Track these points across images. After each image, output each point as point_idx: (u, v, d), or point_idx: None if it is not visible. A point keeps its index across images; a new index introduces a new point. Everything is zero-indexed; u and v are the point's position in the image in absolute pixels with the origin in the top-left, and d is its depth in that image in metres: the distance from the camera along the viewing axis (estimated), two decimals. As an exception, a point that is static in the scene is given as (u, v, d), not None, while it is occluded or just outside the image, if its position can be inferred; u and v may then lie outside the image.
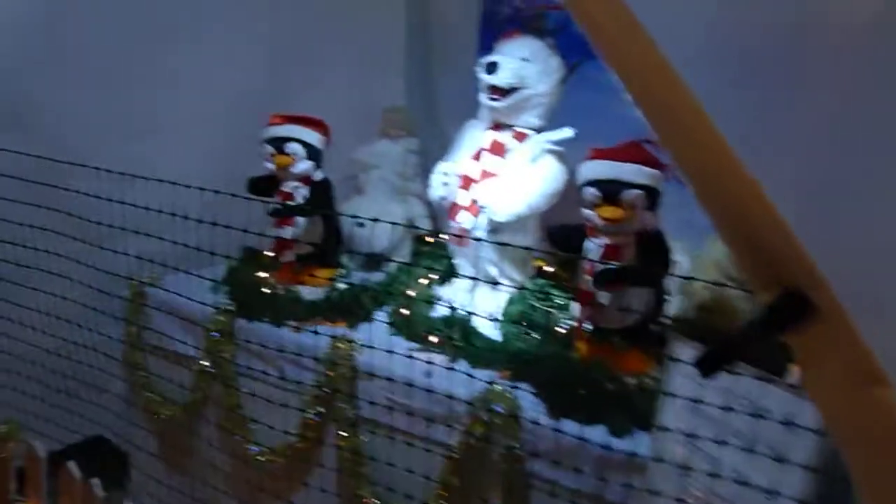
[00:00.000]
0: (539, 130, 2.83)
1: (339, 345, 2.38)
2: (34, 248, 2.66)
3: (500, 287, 2.84)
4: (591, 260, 2.21)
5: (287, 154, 2.78)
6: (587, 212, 2.22)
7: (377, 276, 3.17)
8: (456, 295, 2.89)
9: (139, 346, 2.85)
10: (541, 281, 2.78)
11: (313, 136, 2.85)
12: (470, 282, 2.93)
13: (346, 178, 3.32)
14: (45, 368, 2.85)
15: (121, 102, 2.94)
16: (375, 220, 2.35)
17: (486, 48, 3.71)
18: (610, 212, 2.15)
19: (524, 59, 2.72)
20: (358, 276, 3.00)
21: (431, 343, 2.42)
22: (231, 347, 2.61)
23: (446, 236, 3.50)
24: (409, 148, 3.41)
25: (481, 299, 2.84)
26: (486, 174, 2.75)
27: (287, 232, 2.80)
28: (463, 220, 2.74)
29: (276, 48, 3.36)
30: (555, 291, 2.77)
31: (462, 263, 2.97)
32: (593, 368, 2.05)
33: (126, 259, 2.60)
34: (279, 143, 2.79)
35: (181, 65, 3.05)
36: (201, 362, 2.63)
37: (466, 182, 2.77)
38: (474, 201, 2.72)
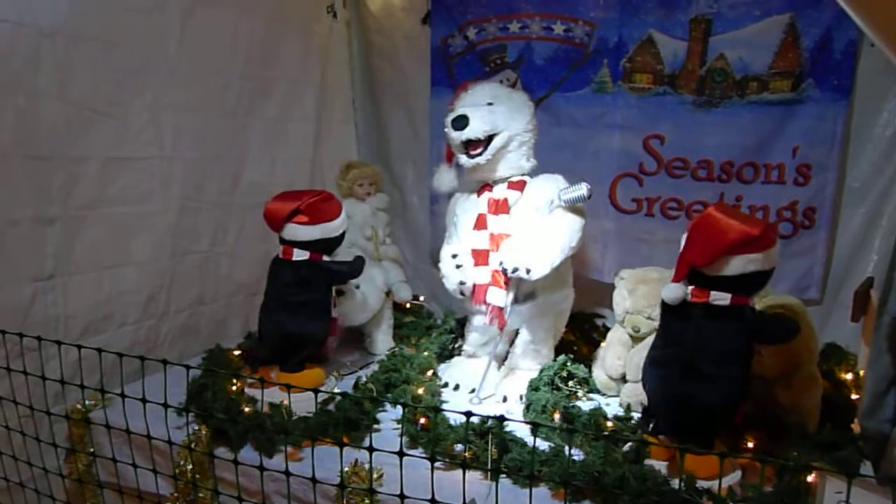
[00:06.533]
0: (531, 174, 2.41)
1: (355, 472, 1.85)
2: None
3: (513, 367, 2.42)
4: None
5: None
6: None
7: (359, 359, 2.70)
8: (463, 378, 2.43)
9: (89, 481, 2.20)
10: (561, 357, 2.35)
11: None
12: (475, 362, 2.49)
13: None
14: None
15: (31, 188, 2.27)
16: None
17: (440, 84, 3.30)
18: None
19: (489, 104, 2.31)
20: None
21: (461, 458, 1.89)
22: (211, 483, 2.02)
23: (423, 299, 3.08)
24: (377, 206, 2.88)
25: (496, 382, 2.39)
26: (497, 238, 2.27)
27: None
28: (493, 297, 2.25)
29: (218, 109, 2.76)
30: (575, 366, 2.37)
31: (474, 343, 2.50)
32: (685, 486, 1.62)
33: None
34: None
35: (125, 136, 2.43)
36: (175, 506, 2.03)
37: (480, 257, 2.29)
38: (497, 272, 2.25)
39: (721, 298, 1.83)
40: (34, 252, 2.28)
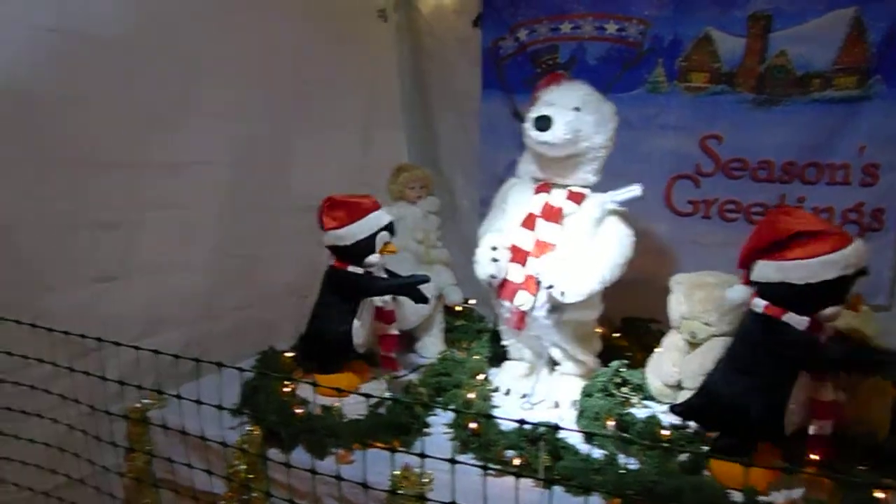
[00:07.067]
0: (593, 188, 2.37)
1: (406, 477, 1.84)
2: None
3: (565, 372, 2.38)
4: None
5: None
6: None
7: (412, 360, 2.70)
8: (514, 383, 2.40)
9: (148, 482, 2.25)
10: (615, 363, 2.31)
11: None
12: (526, 366, 2.46)
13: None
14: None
15: (88, 193, 2.33)
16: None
17: (490, 86, 3.27)
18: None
19: (576, 109, 2.22)
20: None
21: (514, 467, 1.85)
22: (263, 483, 2.05)
23: (475, 302, 3.05)
24: (428, 209, 2.88)
25: (547, 387, 2.36)
26: (542, 245, 2.22)
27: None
28: (521, 301, 2.22)
29: (263, 113, 2.78)
30: (629, 373, 2.32)
31: (515, 345, 2.48)
32: (746, 499, 1.57)
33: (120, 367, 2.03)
34: (392, 228, 2.38)
35: (173, 144, 2.48)
36: (229, 504, 2.06)
37: (519, 255, 2.25)
38: (531, 277, 2.22)
39: (757, 305, 1.78)
40: (97, 255, 2.36)
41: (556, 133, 2.16)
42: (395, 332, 2.41)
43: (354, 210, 2.32)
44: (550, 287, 2.11)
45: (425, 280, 2.32)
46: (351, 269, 2.31)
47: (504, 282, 2.26)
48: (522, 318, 2.24)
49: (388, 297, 2.37)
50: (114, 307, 2.37)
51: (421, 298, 2.33)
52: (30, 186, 2.17)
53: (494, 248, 2.23)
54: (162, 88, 2.39)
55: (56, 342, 1.95)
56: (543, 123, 2.16)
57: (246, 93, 2.66)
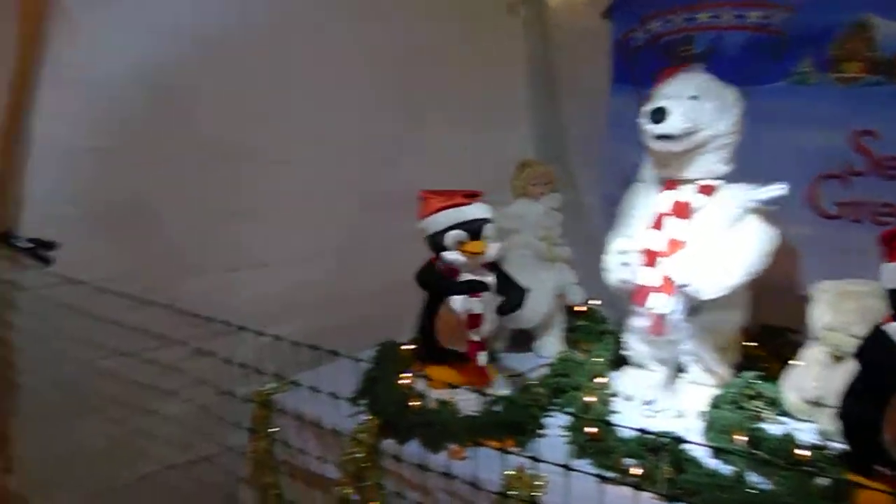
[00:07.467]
0: (725, 178, 2.22)
1: (519, 478, 1.80)
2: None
3: (693, 381, 2.25)
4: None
5: (482, 239, 2.17)
6: None
7: (531, 362, 2.64)
8: (636, 388, 2.30)
9: (269, 463, 2.33)
10: (747, 373, 2.16)
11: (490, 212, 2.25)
12: (650, 372, 2.35)
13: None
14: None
15: (223, 184, 2.45)
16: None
17: (620, 80, 3.16)
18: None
19: (693, 98, 2.10)
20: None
21: (634, 478, 1.74)
22: (377, 473, 2.08)
23: (598, 303, 2.94)
24: (551, 206, 2.82)
25: (672, 395, 2.23)
26: (674, 244, 2.11)
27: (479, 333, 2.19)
28: (656, 303, 2.11)
29: (389, 107, 2.83)
30: (763, 385, 2.16)
31: (640, 349, 2.36)
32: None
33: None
34: (476, 227, 2.18)
35: (296, 134, 2.57)
36: (343, 490, 2.10)
37: (650, 257, 2.14)
38: (667, 279, 2.11)
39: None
40: (232, 244, 2.49)
41: (673, 123, 2.05)
42: (476, 338, 2.22)
43: (427, 205, 2.27)
44: (685, 286, 2.00)
45: (469, 285, 2.19)
46: (436, 264, 2.25)
47: (637, 286, 2.17)
48: (660, 322, 2.13)
49: (474, 301, 2.19)
50: (246, 294, 2.49)
51: (502, 309, 2.24)
52: (182, 177, 2.32)
53: (623, 252, 2.15)
54: (281, 82, 2.48)
55: (190, 325, 2.06)
56: (659, 115, 2.06)
57: (377, 90, 2.72)
